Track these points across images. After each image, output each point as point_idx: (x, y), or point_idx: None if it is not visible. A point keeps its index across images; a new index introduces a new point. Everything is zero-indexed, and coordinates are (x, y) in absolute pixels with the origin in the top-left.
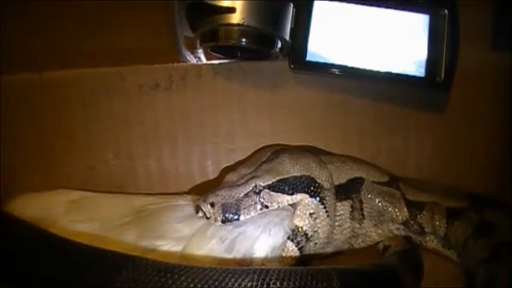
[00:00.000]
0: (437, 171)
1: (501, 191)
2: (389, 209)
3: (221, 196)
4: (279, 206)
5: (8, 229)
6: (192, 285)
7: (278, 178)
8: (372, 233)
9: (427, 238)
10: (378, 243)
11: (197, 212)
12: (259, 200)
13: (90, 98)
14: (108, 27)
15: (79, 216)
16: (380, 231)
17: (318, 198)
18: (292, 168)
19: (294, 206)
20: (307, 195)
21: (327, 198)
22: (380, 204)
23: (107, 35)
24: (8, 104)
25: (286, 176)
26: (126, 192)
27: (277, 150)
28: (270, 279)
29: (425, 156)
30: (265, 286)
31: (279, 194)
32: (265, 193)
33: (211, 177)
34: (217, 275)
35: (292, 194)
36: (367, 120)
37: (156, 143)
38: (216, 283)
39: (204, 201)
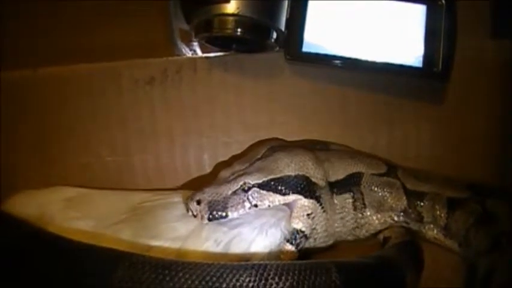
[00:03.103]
0: (437, 162)
1: (501, 180)
2: (389, 199)
3: (208, 193)
4: (269, 205)
5: (3, 228)
6: (189, 282)
7: (270, 177)
8: (374, 221)
9: (427, 227)
10: (378, 233)
11: (188, 210)
12: (247, 198)
13: (86, 94)
14: (102, 22)
15: (75, 213)
16: (382, 219)
17: (313, 198)
18: (287, 167)
19: (289, 207)
20: (301, 196)
21: (322, 195)
22: (380, 194)
23: (101, 30)
24: (1, 101)
25: (279, 175)
26: (123, 188)
27: (273, 147)
28: (269, 274)
29: (424, 147)
30: (263, 281)
31: (270, 193)
32: (255, 191)
33: (208, 170)
34: (214, 270)
35: (285, 194)
36: (364, 112)
37: (152, 137)
38: (214, 279)
39: (191, 199)
